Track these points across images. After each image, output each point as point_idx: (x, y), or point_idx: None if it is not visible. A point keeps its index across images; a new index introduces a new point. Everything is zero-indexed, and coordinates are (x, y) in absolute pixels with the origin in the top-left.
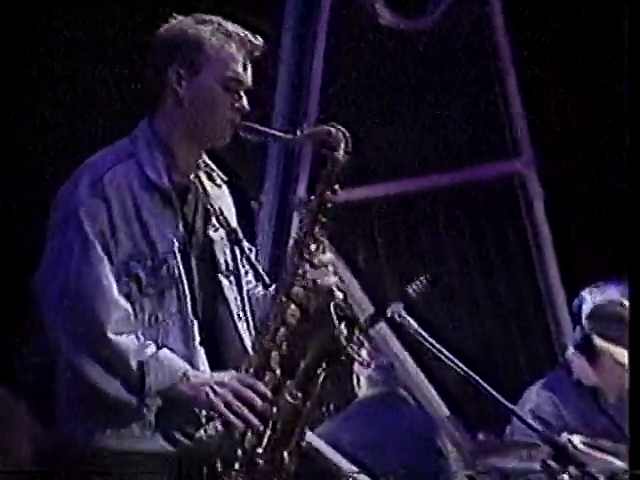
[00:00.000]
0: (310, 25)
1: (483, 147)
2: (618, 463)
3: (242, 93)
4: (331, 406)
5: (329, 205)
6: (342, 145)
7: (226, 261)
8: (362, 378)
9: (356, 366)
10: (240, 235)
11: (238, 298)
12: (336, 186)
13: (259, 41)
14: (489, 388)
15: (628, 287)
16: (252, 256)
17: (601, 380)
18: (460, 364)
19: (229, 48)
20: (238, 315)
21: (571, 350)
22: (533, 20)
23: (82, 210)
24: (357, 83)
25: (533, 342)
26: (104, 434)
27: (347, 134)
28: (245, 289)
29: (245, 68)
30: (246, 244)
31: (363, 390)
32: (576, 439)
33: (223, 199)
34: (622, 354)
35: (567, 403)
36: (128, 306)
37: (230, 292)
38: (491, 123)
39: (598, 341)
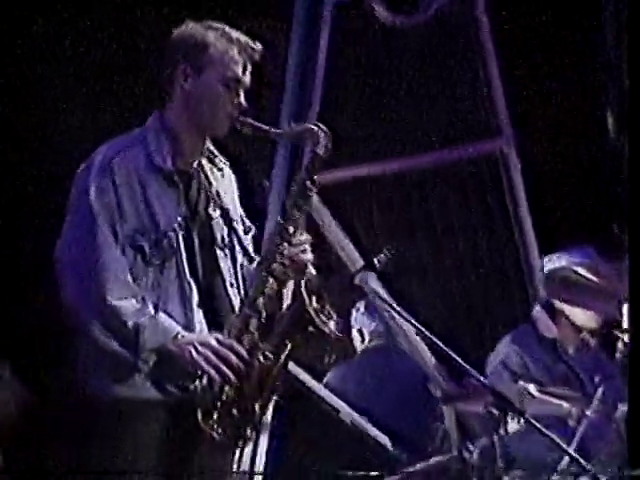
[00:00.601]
0: (315, 25)
1: (469, 128)
2: (566, 406)
3: (241, 91)
4: (333, 357)
5: (308, 193)
6: (322, 142)
7: (222, 237)
8: (366, 331)
9: (361, 320)
10: (232, 215)
11: (231, 269)
12: (315, 177)
13: (258, 46)
14: (445, 347)
15: (629, 285)
16: (249, 235)
17: (560, 335)
18: (418, 325)
19: (231, 52)
20: (231, 283)
21: (538, 308)
22: (513, 10)
23: (92, 189)
24: (356, 74)
25: (511, 300)
26: (112, 384)
27: (328, 132)
28: (239, 262)
29: (245, 70)
30: (245, 223)
31: (367, 343)
32: (531, 387)
33: (223, 182)
34: (574, 313)
35: (531, 354)
36: (128, 275)
37: (224, 263)
38: (476, 107)
39: (555, 302)
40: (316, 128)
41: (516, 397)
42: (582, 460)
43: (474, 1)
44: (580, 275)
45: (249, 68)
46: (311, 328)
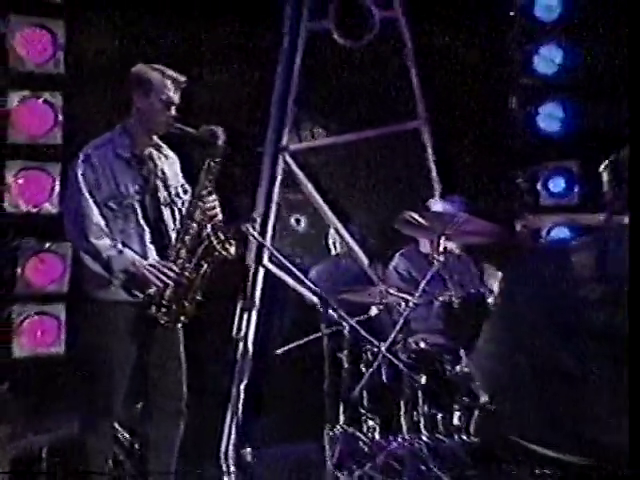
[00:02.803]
0: (294, 46)
1: (397, 113)
2: (407, 298)
3: (172, 107)
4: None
5: (213, 170)
6: (220, 139)
7: (165, 199)
8: (337, 244)
9: (333, 236)
10: (173, 184)
11: (172, 220)
12: (217, 159)
13: (184, 78)
14: (313, 286)
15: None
16: (186, 196)
17: (432, 250)
18: (295, 271)
19: (166, 82)
20: (172, 229)
21: None
22: (430, 27)
23: (79, 173)
24: (321, 79)
25: None
26: (99, 290)
27: (223, 131)
28: (177, 215)
29: (175, 93)
30: (185, 187)
31: (338, 250)
32: (389, 289)
33: (167, 162)
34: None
35: (413, 263)
36: (103, 223)
37: (167, 216)
38: (401, 97)
39: None
40: (215, 128)
41: (379, 294)
42: (392, 357)
43: (399, 25)
44: (412, 217)
45: (178, 92)
46: (217, 254)
